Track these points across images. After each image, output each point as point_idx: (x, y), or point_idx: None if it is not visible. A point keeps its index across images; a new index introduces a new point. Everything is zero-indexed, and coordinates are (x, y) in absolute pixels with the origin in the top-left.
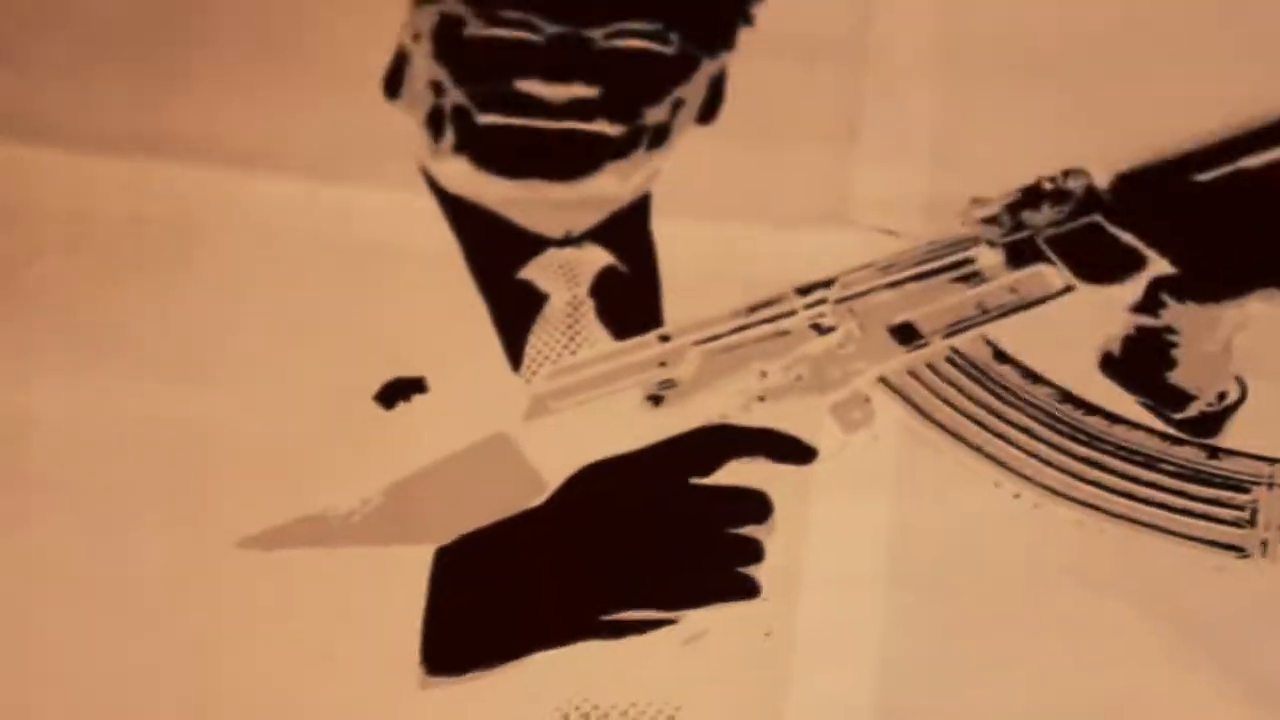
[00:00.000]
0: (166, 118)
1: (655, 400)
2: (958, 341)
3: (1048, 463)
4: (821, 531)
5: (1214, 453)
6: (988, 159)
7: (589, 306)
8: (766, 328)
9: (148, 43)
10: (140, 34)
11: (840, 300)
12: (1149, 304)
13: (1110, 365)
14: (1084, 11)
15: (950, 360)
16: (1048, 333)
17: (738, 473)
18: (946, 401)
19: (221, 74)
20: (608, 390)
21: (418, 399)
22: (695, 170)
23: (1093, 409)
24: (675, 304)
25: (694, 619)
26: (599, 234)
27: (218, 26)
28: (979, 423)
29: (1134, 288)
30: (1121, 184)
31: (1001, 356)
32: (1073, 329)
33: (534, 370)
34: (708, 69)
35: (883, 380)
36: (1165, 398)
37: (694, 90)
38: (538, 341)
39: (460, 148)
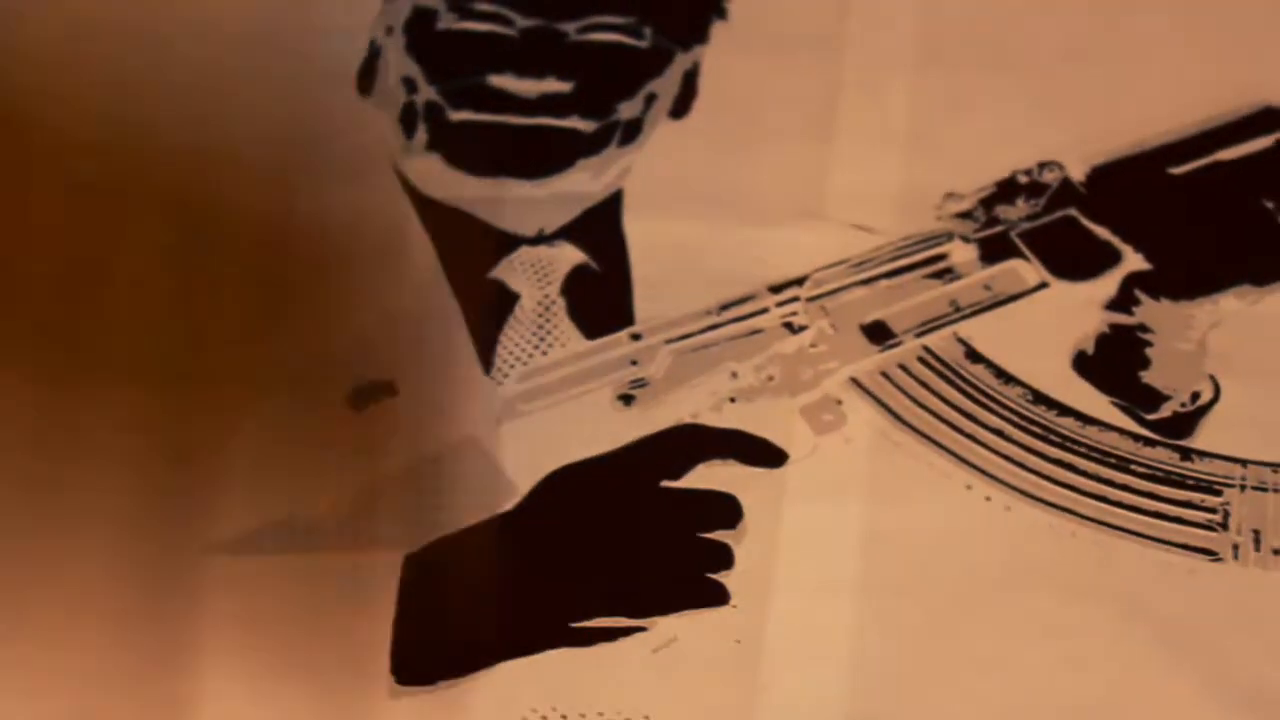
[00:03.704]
0: (142, 114)
1: (626, 400)
2: (930, 340)
3: (1020, 465)
4: (792, 536)
5: (1186, 454)
6: (962, 153)
7: (560, 305)
8: (738, 326)
9: (122, 40)
10: (115, 31)
11: (813, 298)
12: (1123, 301)
13: (1083, 364)
14: (1059, 4)
15: (922, 360)
16: (1021, 331)
17: (708, 476)
18: (918, 403)
19: (196, 71)
20: (578, 391)
21: (388, 402)
22: (668, 166)
23: (1065, 410)
24: (647, 302)
25: (664, 626)
26: (571, 232)
27: (192, 24)
28: (951, 425)
29: (1108, 284)
30: (1096, 177)
31: (974, 356)
32: (1046, 327)
33: (505, 372)
34: (681, 63)
35: (854, 381)
36: (1138, 398)
37: (667, 85)
38: (509, 342)
39: (432, 145)
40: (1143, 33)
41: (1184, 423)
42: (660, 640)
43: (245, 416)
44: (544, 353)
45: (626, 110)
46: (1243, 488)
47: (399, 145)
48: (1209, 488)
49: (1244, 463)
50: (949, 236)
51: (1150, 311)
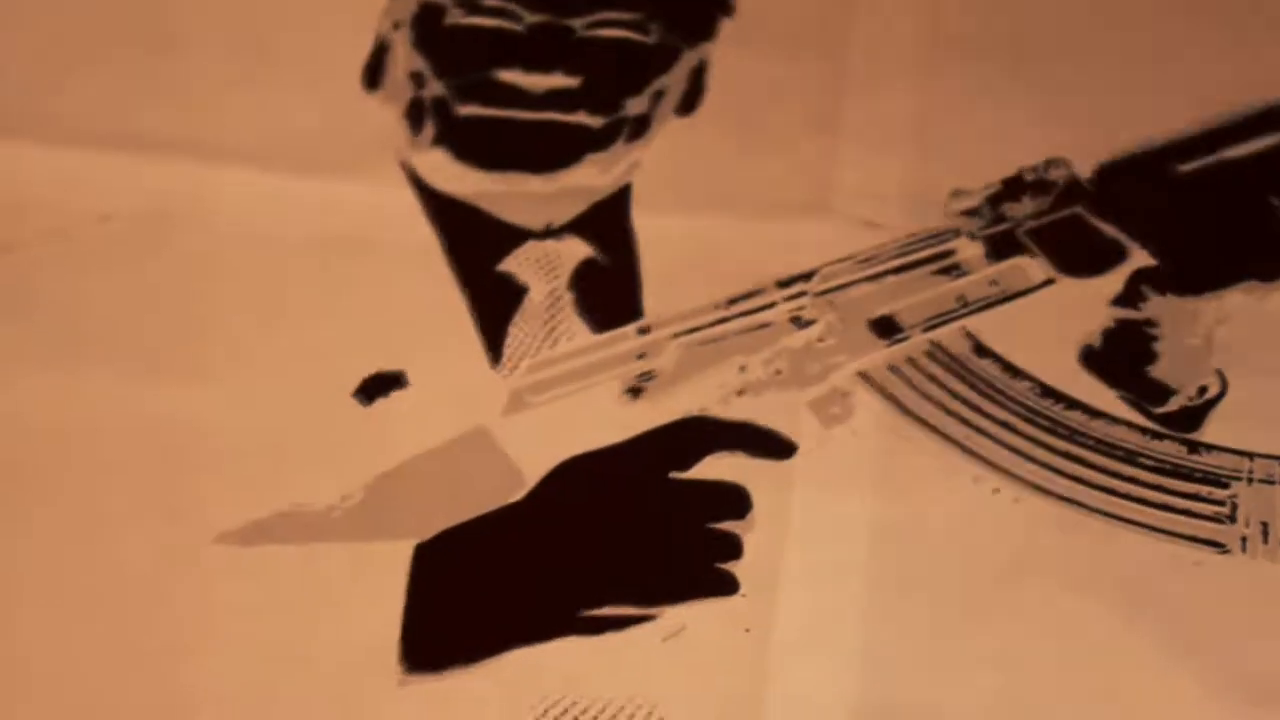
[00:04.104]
0: (145, 113)
1: (634, 393)
2: (938, 335)
3: (1028, 457)
4: (801, 527)
5: (1194, 447)
6: (969, 150)
7: (568, 299)
8: (746, 320)
9: (126, 39)
10: (119, 30)
11: (820, 293)
12: (1130, 297)
13: (1091, 359)
14: (1065, 3)
15: (930, 354)
16: (1028, 326)
17: (717, 467)
18: (926, 396)
19: (200, 68)
20: (587, 383)
21: (397, 394)
22: (675, 162)
23: (1073, 403)
24: (655, 296)
25: (673, 615)
26: (579, 226)
27: (196, 21)
28: (959, 417)
29: (1115, 280)
30: (1103, 174)
31: (982, 350)
32: (1053, 322)
33: (513, 364)
34: (688, 60)
35: (862, 375)
36: (1146, 392)
37: (674, 81)
38: (517, 335)
39: (440, 140)
40: (1148, 31)
41: (1191, 416)
42: (670, 629)
43: (255, 408)
44: (552, 346)
45: (634, 106)
46: (1250, 481)
47: (406, 140)
48: (1216, 480)
49: (1251, 456)
50: (956, 233)
51: (1157, 307)
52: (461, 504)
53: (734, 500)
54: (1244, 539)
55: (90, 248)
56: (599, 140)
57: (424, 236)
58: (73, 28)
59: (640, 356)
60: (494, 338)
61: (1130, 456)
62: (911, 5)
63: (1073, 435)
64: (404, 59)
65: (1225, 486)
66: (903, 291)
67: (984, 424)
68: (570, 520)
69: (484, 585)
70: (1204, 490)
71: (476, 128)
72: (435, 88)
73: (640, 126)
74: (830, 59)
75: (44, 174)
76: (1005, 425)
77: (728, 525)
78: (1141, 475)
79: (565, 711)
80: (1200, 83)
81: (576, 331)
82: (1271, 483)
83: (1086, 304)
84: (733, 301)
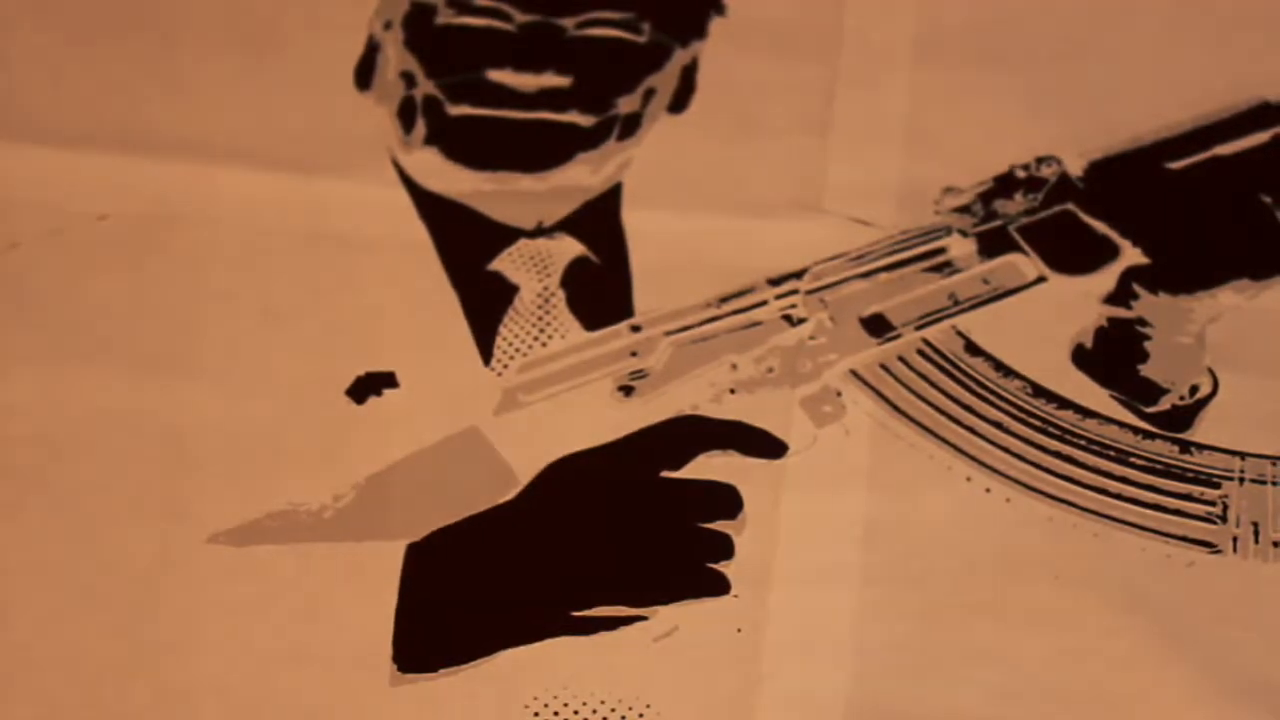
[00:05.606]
0: (140, 112)
1: (626, 390)
2: (929, 333)
3: (1019, 457)
4: (792, 527)
5: (1185, 447)
6: (961, 147)
7: (560, 297)
8: (738, 318)
9: (123, 38)
10: (116, 29)
11: (812, 291)
12: (1121, 295)
13: (1082, 358)
14: (1057, 0)
15: (922, 353)
16: (1020, 324)
17: (708, 467)
18: (918, 395)
19: (195, 68)
20: (578, 382)
21: (389, 393)
22: (667, 160)
23: (1064, 403)
24: (646, 294)
25: (665, 615)
26: (570, 224)
27: (192, 21)
28: (950, 417)
29: (1107, 278)
30: (1094, 172)
31: (973, 349)
32: (1045, 321)
33: (505, 363)
34: (680, 58)
35: (854, 373)
36: (1137, 391)
37: (666, 80)
38: (508, 334)
39: (431, 139)
40: (1140, 28)
41: (1183, 416)
42: (662, 629)
43: (247, 407)
44: (544, 344)
45: (625, 105)
46: (1241, 480)
47: (397, 139)
48: (1208, 480)
49: (1243, 455)
50: (947, 230)
51: (1148, 306)
52: (453, 503)
53: (725, 500)
54: (1235, 539)
55: (86, 247)
56: (590, 139)
57: (416, 236)
58: (67, 27)
59: (632, 355)
60: (486, 337)
61: (1122, 456)
62: (903, 3)
63: (1064, 435)
64: (395, 59)
65: (1217, 486)
66: (894, 289)
67: (976, 423)
68: (562, 520)
69: (476, 585)
70: (1196, 490)
71: (468, 127)
72: (426, 87)
73: (631, 125)
74: (821, 57)
75: (39, 173)
76: (997, 425)
77: (719, 525)
78: (1133, 475)
79: (557, 713)
80: (1191, 80)
81: (568, 330)
82: (1263, 483)
83: (1078, 302)
84: (724, 300)
